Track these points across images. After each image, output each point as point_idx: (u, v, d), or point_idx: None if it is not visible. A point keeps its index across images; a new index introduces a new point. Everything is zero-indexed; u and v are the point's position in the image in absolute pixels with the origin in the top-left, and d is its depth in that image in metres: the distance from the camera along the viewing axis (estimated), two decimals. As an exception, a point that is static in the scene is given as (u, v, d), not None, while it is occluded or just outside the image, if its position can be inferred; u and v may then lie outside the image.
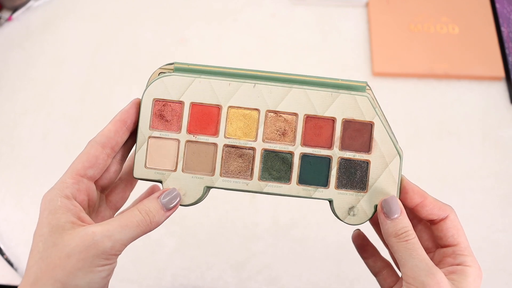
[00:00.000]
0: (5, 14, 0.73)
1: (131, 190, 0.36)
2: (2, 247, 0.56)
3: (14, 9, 0.73)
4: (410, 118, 0.62)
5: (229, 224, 0.56)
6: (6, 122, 0.65)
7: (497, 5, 0.69)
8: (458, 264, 0.29)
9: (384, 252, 0.36)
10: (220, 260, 0.54)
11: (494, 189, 0.57)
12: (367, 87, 0.33)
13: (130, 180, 0.35)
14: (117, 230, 0.28)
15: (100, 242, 0.27)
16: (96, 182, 0.32)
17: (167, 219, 0.31)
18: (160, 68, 0.34)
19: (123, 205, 0.36)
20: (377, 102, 0.33)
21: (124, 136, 0.32)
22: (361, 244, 0.36)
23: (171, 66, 0.33)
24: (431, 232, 0.32)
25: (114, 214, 0.35)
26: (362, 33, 0.69)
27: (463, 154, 0.59)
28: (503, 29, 0.67)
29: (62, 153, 0.61)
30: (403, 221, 0.29)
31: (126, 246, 0.28)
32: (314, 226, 0.56)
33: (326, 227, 0.56)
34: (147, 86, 0.33)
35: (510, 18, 0.68)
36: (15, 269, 0.55)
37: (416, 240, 0.29)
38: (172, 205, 0.31)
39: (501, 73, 0.64)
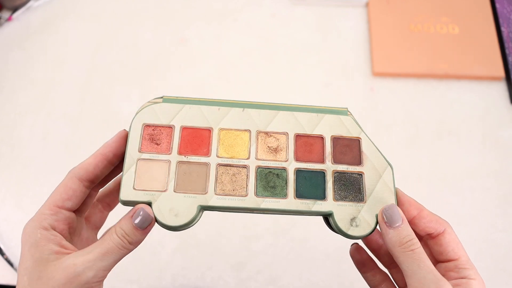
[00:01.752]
0: (5, 14, 0.73)
1: (110, 211, 0.37)
2: (2, 247, 0.56)
3: (14, 9, 0.73)
4: (410, 118, 0.62)
5: (229, 224, 0.56)
6: (6, 122, 0.65)
7: (497, 5, 0.69)
8: (462, 278, 0.29)
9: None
10: (220, 260, 0.54)
11: (494, 189, 0.57)
12: (349, 112, 0.34)
13: (107, 201, 0.36)
14: (98, 259, 0.28)
15: (82, 273, 0.28)
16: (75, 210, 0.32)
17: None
18: (148, 102, 0.34)
19: (103, 224, 0.37)
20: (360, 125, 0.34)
21: (105, 169, 0.32)
22: (361, 258, 0.35)
23: (160, 100, 0.34)
24: (429, 247, 0.32)
25: (96, 234, 0.36)
26: (362, 33, 0.69)
27: (463, 154, 0.59)
28: (503, 29, 0.67)
29: (62, 153, 0.61)
30: (406, 229, 0.29)
31: (109, 270, 0.29)
32: (314, 226, 0.56)
33: (326, 227, 0.56)
34: (137, 113, 0.33)
35: (510, 18, 0.68)
36: (15, 269, 0.55)
37: (422, 250, 0.28)
38: (145, 226, 0.30)
39: (501, 73, 0.64)
